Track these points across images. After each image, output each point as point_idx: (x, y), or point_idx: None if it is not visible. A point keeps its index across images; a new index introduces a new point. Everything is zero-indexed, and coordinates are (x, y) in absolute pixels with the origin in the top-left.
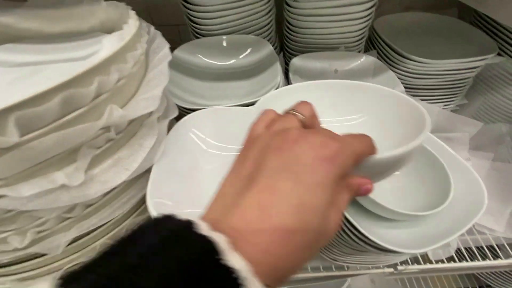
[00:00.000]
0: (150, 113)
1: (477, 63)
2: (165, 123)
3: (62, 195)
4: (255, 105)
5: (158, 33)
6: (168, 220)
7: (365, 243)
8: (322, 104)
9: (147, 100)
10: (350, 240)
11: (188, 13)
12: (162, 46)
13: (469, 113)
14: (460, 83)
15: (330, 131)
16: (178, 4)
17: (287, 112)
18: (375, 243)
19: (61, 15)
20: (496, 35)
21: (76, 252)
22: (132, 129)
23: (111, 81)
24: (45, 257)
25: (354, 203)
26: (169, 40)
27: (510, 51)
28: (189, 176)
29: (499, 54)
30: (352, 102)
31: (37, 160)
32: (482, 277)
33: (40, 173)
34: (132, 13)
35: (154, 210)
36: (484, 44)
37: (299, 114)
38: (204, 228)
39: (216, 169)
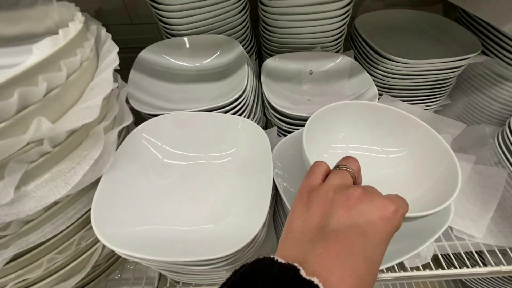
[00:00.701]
0: (98, 122)
1: (461, 63)
2: (115, 132)
3: None
4: (307, 123)
5: (109, 36)
6: (272, 265)
7: None
8: (363, 128)
9: (86, 110)
10: None
11: (156, 13)
12: (112, 49)
13: (453, 114)
14: (443, 83)
15: (377, 191)
16: None
17: (340, 168)
18: None
19: (17, 16)
20: (481, 33)
21: (22, 268)
22: (75, 140)
23: (39, 91)
24: None
25: None
26: (149, 38)
27: (495, 49)
28: (142, 190)
29: (483, 53)
30: (394, 133)
31: None
32: (467, 280)
33: None
34: (78, 15)
35: (98, 232)
36: (468, 42)
37: (352, 170)
38: (304, 273)
39: (172, 184)
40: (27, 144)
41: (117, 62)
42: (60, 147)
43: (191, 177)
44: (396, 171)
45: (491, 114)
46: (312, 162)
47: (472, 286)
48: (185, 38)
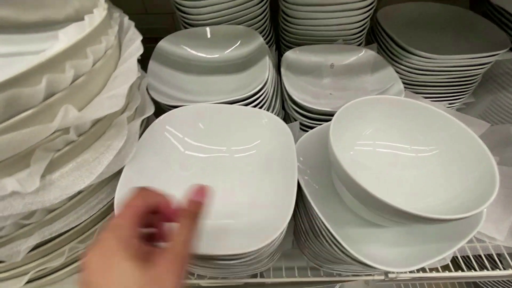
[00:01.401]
0: (121, 112)
1: (488, 59)
2: (138, 122)
3: (15, 202)
4: (334, 118)
5: (132, 24)
6: None
7: (352, 259)
8: (391, 125)
9: (111, 99)
10: (337, 254)
11: (175, 2)
12: (135, 38)
13: (476, 113)
14: (468, 80)
15: None
16: None
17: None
18: (362, 261)
19: (38, 3)
20: (510, 28)
21: (43, 257)
22: (98, 129)
23: (66, 79)
24: (5, 263)
25: (344, 212)
26: (163, 29)
27: None
28: (162, 180)
29: (511, 50)
30: (425, 131)
31: None
32: (481, 283)
33: None
34: (101, 1)
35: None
36: (495, 38)
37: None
38: None
39: (194, 176)
40: (54, 132)
41: (141, 51)
42: (84, 136)
43: (213, 170)
44: (426, 171)
45: None
46: (340, 160)
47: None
48: (207, 28)
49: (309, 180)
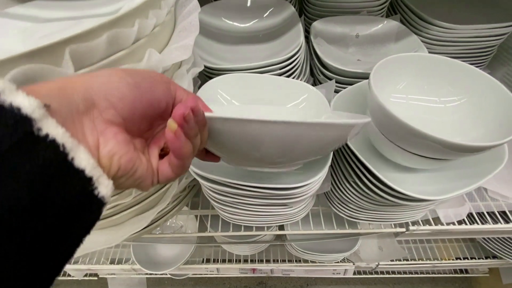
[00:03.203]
0: (180, 64)
1: (505, 30)
2: (192, 75)
3: None
4: (372, 71)
5: None
6: None
7: (387, 193)
8: (422, 79)
9: (180, 49)
10: (370, 192)
11: None
12: None
13: None
14: (485, 51)
15: None
16: None
17: None
18: (399, 192)
19: None
20: None
21: (115, 195)
22: None
23: (150, 25)
24: None
25: (376, 155)
26: None
27: None
28: None
29: None
30: (453, 83)
31: None
32: (490, 247)
33: None
34: None
35: None
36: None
37: None
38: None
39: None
40: None
41: (199, 9)
42: None
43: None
44: (454, 118)
45: None
46: (383, 103)
47: (494, 252)
48: None
49: None
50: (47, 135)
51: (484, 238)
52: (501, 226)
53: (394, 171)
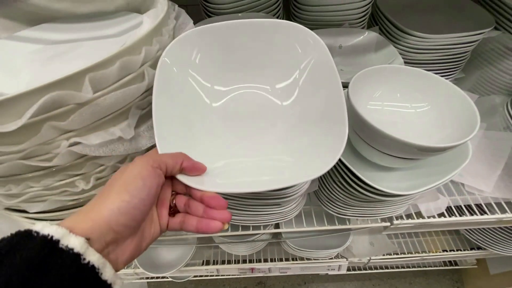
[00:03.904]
0: None
1: (475, 37)
2: None
3: (119, 146)
4: (351, 83)
5: (182, 11)
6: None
7: (367, 190)
8: (395, 88)
9: None
10: (353, 190)
11: None
12: (187, 22)
13: (466, 87)
14: (459, 57)
15: None
16: None
17: None
18: (377, 189)
19: None
20: (494, 10)
21: None
22: None
23: (154, 50)
24: None
25: (358, 157)
26: None
27: (507, 25)
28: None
29: (495, 28)
30: (421, 90)
31: (101, 115)
32: (473, 239)
33: (101, 127)
34: None
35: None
36: (481, 19)
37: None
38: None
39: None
40: (144, 92)
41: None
42: None
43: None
44: (423, 121)
45: (501, 86)
46: (360, 112)
47: (478, 243)
48: (240, 15)
49: None
50: (88, 262)
51: (467, 230)
52: (478, 217)
53: (374, 171)
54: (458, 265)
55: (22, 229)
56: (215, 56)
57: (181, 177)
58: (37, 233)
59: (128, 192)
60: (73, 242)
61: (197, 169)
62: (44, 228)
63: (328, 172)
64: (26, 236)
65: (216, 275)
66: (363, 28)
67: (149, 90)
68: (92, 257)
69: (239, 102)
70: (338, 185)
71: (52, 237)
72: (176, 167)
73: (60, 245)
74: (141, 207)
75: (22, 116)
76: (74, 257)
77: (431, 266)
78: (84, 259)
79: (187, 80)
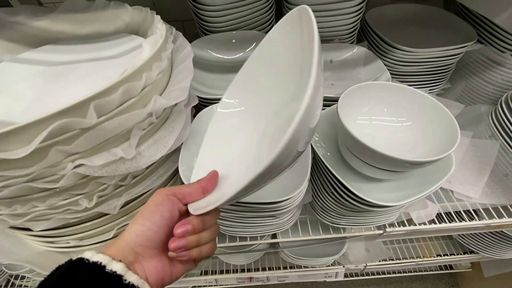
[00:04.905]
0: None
1: (459, 50)
2: (189, 109)
3: (120, 166)
4: (340, 99)
5: (180, 34)
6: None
7: (358, 202)
8: (382, 103)
9: (178, 91)
10: (345, 201)
11: (196, 12)
12: (185, 45)
13: (453, 96)
14: (444, 69)
15: None
16: (183, 2)
17: None
18: (367, 201)
19: (90, 18)
20: (477, 24)
21: (124, 216)
22: (165, 114)
23: (154, 75)
24: (100, 219)
25: (349, 170)
26: None
27: (489, 38)
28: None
29: (478, 41)
30: (405, 106)
31: (105, 138)
32: (465, 243)
33: (105, 148)
34: (158, 18)
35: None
36: (465, 32)
37: None
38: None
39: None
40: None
41: (193, 54)
42: (159, 119)
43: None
44: (408, 135)
45: (486, 95)
46: (349, 129)
47: (470, 247)
48: (233, 33)
49: (321, 148)
50: (129, 282)
51: (459, 235)
52: (467, 223)
53: (365, 182)
54: (453, 269)
55: (73, 258)
56: None
57: (191, 207)
58: (88, 260)
59: (142, 217)
60: (116, 266)
61: (212, 178)
62: (93, 256)
63: (321, 183)
64: (79, 263)
65: (214, 285)
66: (352, 43)
67: (150, 113)
68: (131, 277)
69: None
70: (331, 196)
71: (100, 263)
72: (194, 193)
73: (107, 270)
74: (154, 228)
75: (31, 143)
76: (117, 278)
77: (427, 271)
78: (125, 280)
79: None
